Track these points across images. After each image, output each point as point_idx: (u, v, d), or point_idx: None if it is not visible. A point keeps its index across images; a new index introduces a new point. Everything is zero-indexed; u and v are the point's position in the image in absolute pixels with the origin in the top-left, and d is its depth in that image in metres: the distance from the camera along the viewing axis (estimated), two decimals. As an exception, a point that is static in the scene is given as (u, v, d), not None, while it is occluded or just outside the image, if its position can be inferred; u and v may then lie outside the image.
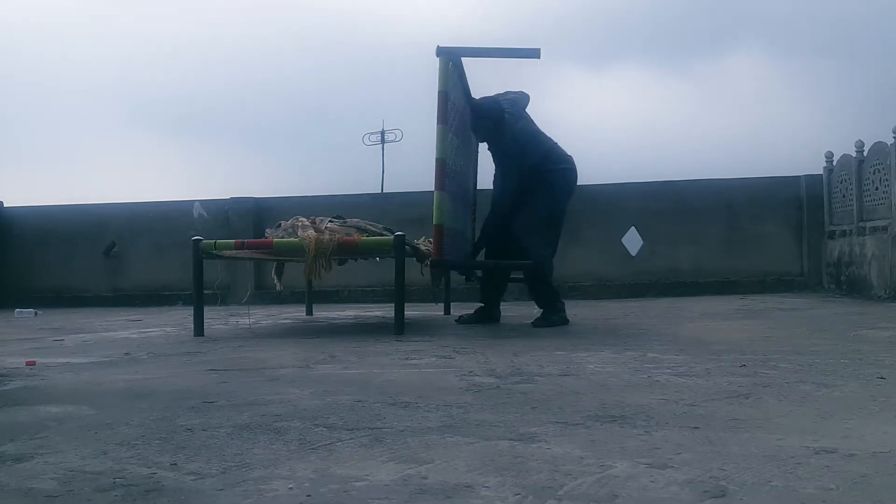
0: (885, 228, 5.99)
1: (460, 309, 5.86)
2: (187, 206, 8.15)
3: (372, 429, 1.78)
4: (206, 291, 4.39)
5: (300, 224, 4.36)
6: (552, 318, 4.46)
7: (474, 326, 4.54)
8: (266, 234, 4.62)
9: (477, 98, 4.68)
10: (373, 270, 7.03)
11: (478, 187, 5.46)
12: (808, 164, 7.71)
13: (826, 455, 1.47)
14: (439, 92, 3.93)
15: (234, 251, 4.39)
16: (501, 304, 4.93)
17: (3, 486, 1.41)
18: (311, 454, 1.57)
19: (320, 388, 2.37)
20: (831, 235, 7.10)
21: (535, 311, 4.76)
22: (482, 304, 4.84)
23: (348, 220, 4.60)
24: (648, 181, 7.79)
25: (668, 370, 2.57)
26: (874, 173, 6.21)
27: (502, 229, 4.56)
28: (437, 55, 3.96)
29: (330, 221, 4.44)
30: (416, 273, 4.86)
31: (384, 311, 5.90)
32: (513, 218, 4.52)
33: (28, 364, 3.11)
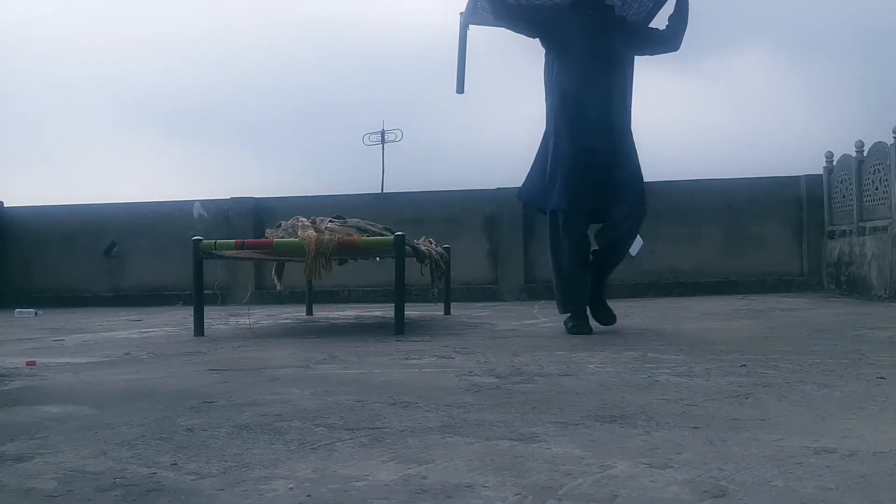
0: (885, 228, 5.99)
1: (460, 309, 5.86)
2: (187, 206, 8.15)
3: (372, 429, 1.78)
4: (206, 291, 4.40)
5: (300, 224, 4.36)
6: None
7: (474, 327, 4.50)
8: (266, 234, 4.62)
9: None
10: (373, 270, 7.03)
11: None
12: (808, 164, 7.72)
13: (826, 455, 1.47)
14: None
15: (234, 251, 4.39)
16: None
17: (3, 486, 1.41)
18: (311, 454, 1.57)
19: (320, 388, 2.37)
20: (831, 235, 7.10)
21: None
22: (573, 312, 3.91)
23: (348, 220, 4.60)
24: (649, 181, 7.76)
25: (668, 370, 2.57)
26: (874, 173, 6.21)
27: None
28: None
29: (330, 221, 4.44)
30: (416, 273, 4.86)
31: (384, 311, 5.89)
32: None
33: (28, 364, 3.11)
